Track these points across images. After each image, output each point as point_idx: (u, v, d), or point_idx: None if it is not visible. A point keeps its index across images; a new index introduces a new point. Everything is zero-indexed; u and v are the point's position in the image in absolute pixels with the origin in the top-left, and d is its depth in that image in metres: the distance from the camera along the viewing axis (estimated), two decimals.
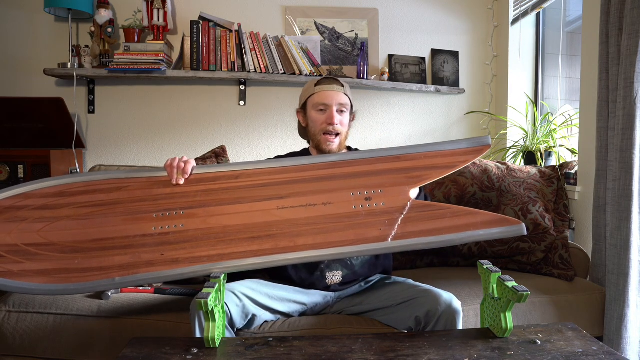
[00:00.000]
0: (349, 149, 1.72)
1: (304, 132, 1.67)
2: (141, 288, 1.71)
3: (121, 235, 1.33)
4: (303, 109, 1.64)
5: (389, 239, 1.28)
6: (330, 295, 1.55)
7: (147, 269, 1.28)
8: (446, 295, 1.37)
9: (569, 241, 2.05)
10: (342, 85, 1.60)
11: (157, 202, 1.38)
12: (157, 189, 1.40)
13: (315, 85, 1.60)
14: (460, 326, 1.35)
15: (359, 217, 1.32)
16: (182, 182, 1.40)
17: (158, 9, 2.55)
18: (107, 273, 1.27)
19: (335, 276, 1.53)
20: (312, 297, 1.54)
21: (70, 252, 1.31)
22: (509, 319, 1.19)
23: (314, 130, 1.59)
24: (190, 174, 1.41)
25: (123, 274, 1.27)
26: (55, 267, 1.28)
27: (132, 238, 1.33)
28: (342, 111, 1.58)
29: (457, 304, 1.36)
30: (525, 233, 1.28)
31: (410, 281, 1.53)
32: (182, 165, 1.41)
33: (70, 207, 1.37)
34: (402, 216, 1.30)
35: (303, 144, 1.73)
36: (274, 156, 1.72)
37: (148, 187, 1.41)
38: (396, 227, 1.29)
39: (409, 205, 1.32)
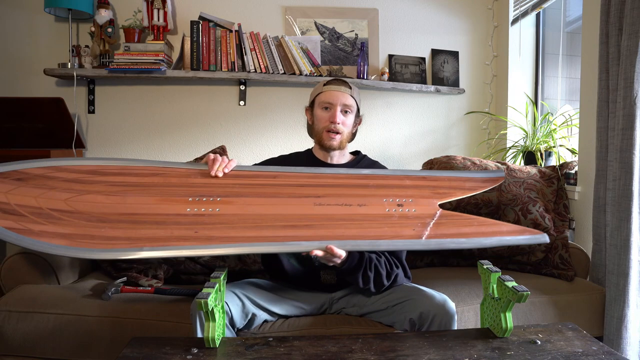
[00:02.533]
0: (357, 153, 1.73)
1: (311, 130, 1.68)
2: (141, 288, 1.71)
3: (153, 212, 1.30)
4: (311, 106, 1.67)
5: (423, 238, 1.32)
6: (327, 296, 1.55)
7: (178, 243, 1.24)
8: (439, 297, 1.37)
9: (569, 241, 2.05)
10: (350, 88, 1.61)
11: (193, 188, 1.37)
12: (193, 179, 1.40)
13: (324, 84, 1.63)
14: (454, 327, 1.35)
15: (393, 218, 1.36)
16: (221, 174, 1.40)
17: (158, 9, 2.55)
18: (135, 243, 1.23)
19: (329, 275, 1.53)
20: (310, 300, 1.54)
21: (96, 221, 1.27)
22: (509, 319, 1.19)
23: (317, 127, 1.61)
24: (230, 171, 1.43)
25: (152, 245, 1.23)
26: (79, 233, 1.24)
27: (164, 216, 1.30)
28: (346, 112, 1.59)
29: (450, 305, 1.36)
30: (548, 241, 1.36)
31: (407, 282, 1.52)
32: (227, 160, 1.43)
33: (102, 184, 1.35)
34: (434, 221, 1.36)
35: (303, 144, 1.73)
36: (277, 155, 1.72)
37: (185, 176, 1.40)
38: (429, 228, 1.34)
39: (438, 214, 1.38)
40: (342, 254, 1.30)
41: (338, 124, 1.57)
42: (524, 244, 1.37)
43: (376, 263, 1.44)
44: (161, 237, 1.25)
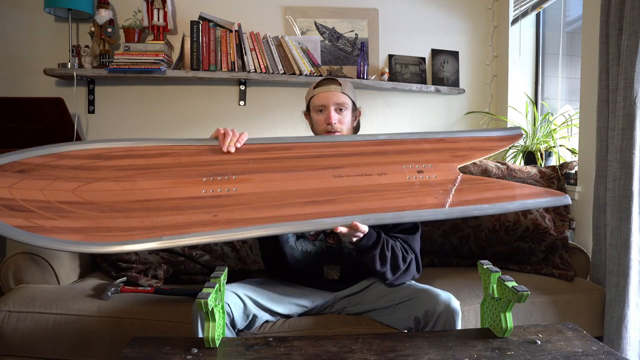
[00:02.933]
0: None
1: (313, 132, 1.69)
2: (141, 288, 1.71)
3: (167, 197, 1.24)
4: (308, 110, 1.67)
5: (446, 206, 1.30)
6: (330, 295, 1.55)
7: (198, 229, 1.18)
8: (444, 295, 1.37)
9: (569, 241, 2.05)
10: (340, 85, 1.61)
11: (206, 167, 1.31)
12: (205, 156, 1.33)
13: (314, 87, 1.63)
14: (459, 326, 1.35)
15: (414, 186, 1.34)
16: (233, 149, 1.34)
17: (158, 9, 2.55)
18: (154, 232, 1.16)
19: (332, 270, 1.53)
20: (313, 298, 1.54)
21: (109, 211, 1.19)
22: (509, 319, 1.19)
23: (317, 130, 1.62)
24: (242, 145, 1.38)
25: (172, 233, 1.17)
26: (93, 226, 1.16)
27: (179, 200, 1.23)
28: (340, 109, 1.59)
29: (455, 303, 1.36)
30: (570, 202, 1.38)
31: (411, 281, 1.53)
32: (237, 133, 1.38)
33: (109, 170, 1.27)
34: (455, 187, 1.34)
35: None
36: None
37: (195, 154, 1.34)
38: (451, 195, 1.32)
39: (459, 178, 1.36)
40: (366, 229, 1.29)
41: (335, 123, 1.57)
42: (545, 206, 1.42)
43: (393, 244, 1.44)
44: (180, 223, 1.19)
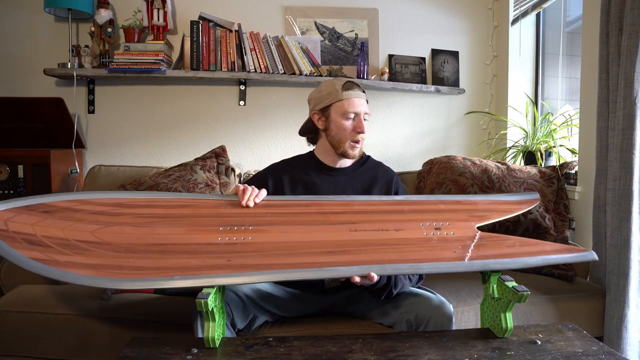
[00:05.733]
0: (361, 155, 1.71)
1: (312, 131, 1.64)
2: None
3: (183, 242, 1.27)
4: (323, 111, 1.57)
5: (466, 259, 1.27)
6: (329, 298, 1.55)
7: (211, 272, 1.18)
8: (436, 299, 1.37)
9: (569, 241, 2.05)
10: (365, 93, 1.58)
11: (224, 218, 1.34)
12: (223, 209, 1.38)
13: (343, 90, 1.54)
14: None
15: (432, 241, 1.33)
16: (252, 204, 1.38)
17: (158, 9, 2.55)
18: (165, 272, 1.18)
19: (334, 280, 1.53)
20: (312, 301, 1.54)
21: (124, 251, 1.22)
22: (509, 319, 1.20)
23: (340, 137, 1.55)
24: (261, 201, 1.41)
25: (183, 274, 1.17)
26: (106, 263, 1.19)
27: (195, 245, 1.26)
28: (365, 119, 1.56)
29: (447, 308, 1.36)
30: (597, 258, 1.33)
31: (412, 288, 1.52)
32: (256, 190, 1.41)
33: (129, 216, 1.32)
34: (474, 242, 1.33)
35: (303, 144, 1.72)
36: (279, 159, 1.69)
37: (214, 207, 1.38)
38: (470, 250, 1.30)
39: (478, 236, 1.35)
40: (377, 278, 1.28)
41: (364, 132, 1.55)
42: (569, 262, 1.35)
43: (402, 283, 1.42)
44: (192, 266, 1.20)
